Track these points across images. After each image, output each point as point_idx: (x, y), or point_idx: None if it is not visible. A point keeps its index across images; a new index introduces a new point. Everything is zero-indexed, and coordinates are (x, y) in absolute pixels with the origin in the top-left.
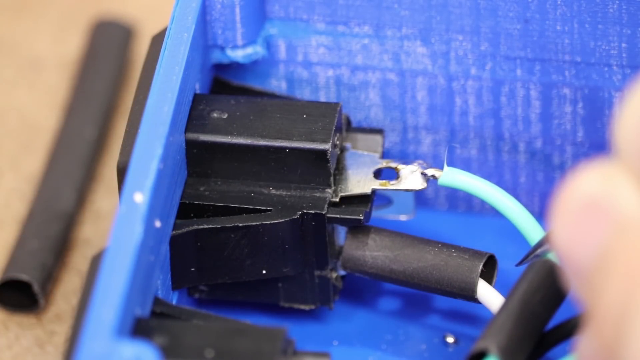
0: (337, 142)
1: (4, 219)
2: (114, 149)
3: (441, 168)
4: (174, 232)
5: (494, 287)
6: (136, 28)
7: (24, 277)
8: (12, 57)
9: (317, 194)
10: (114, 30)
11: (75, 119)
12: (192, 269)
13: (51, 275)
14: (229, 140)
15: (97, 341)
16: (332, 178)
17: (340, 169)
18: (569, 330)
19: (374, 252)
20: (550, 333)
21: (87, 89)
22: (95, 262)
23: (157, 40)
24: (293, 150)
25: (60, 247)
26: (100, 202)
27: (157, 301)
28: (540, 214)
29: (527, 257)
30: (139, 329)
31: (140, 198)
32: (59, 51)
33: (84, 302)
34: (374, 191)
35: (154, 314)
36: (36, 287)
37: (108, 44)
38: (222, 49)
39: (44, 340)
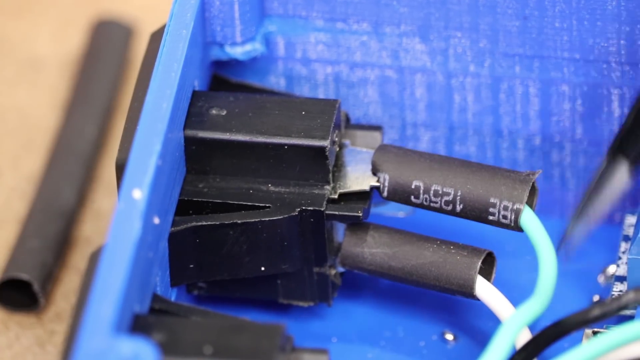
0: (336, 139)
1: (4, 218)
2: (114, 148)
3: None
4: (172, 228)
5: (493, 284)
6: (136, 27)
7: (24, 276)
8: (12, 57)
9: (316, 191)
10: (114, 30)
11: (75, 119)
12: (191, 266)
13: (51, 274)
14: (228, 137)
15: (95, 337)
16: (330, 175)
17: (339, 166)
18: (565, 328)
19: (372, 249)
20: (547, 331)
21: (87, 89)
22: (94, 259)
23: (156, 37)
24: (292, 147)
25: (61, 246)
26: (100, 201)
27: (155, 298)
28: (539, 212)
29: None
30: (138, 326)
31: (138, 194)
32: (59, 51)
33: (83, 299)
34: (372, 188)
35: (152, 310)
36: (36, 287)
37: (108, 43)
38: (221, 45)
39: (44, 339)
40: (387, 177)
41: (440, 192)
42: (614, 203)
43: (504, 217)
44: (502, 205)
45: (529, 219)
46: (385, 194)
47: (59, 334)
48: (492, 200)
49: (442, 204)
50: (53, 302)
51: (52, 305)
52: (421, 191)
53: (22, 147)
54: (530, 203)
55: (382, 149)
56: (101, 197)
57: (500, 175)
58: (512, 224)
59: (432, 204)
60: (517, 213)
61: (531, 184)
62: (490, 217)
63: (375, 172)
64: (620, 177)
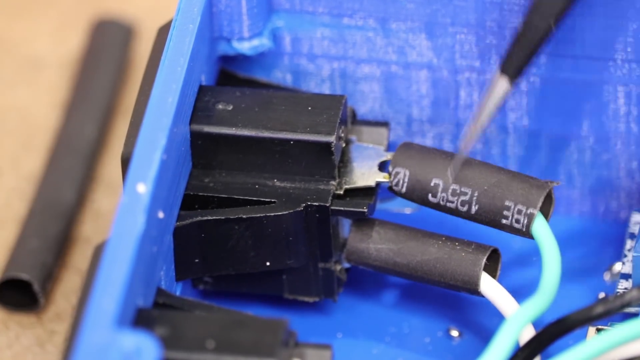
0: (342, 135)
1: (4, 218)
2: (114, 148)
3: None
4: (178, 223)
5: (498, 280)
6: (136, 27)
7: (24, 276)
8: (12, 57)
9: (322, 186)
10: (114, 30)
11: (75, 118)
12: (196, 260)
13: (51, 274)
14: (234, 132)
15: (97, 331)
16: (336, 170)
17: (345, 162)
18: (569, 325)
19: (378, 244)
20: (550, 328)
21: (87, 88)
22: (98, 253)
23: (163, 31)
24: (297, 142)
25: (61, 246)
26: (100, 201)
27: (159, 292)
28: None
29: None
30: (141, 320)
31: (142, 189)
32: (59, 50)
33: (86, 293)
34: (378, 184)
35: (156, 304)
36: (36, 286)
37: (108, 43)
38: (228, 40)
39: (44, 339)
40: (407, 173)
41: (458, 191)
42: (496, 111)
43: (517, 221)
44: (516, 209)
45: (540, 226)
46: (403, 190)
47: (59, 333)
48: (507, 203)
49: (459, 204)
50: (53, 302)
51: (52, 305)
52: (440, 189)
53: (22, 147)
54: (546, 212)
55: (404, 146)
56: (101, 197)
57: (519, 180)
58: (524, 229)
59: (448, 204)
60: (531, 218)
61: (547, 190)
62: (504, 221)
63: (394, 167)
64: (501, 89)
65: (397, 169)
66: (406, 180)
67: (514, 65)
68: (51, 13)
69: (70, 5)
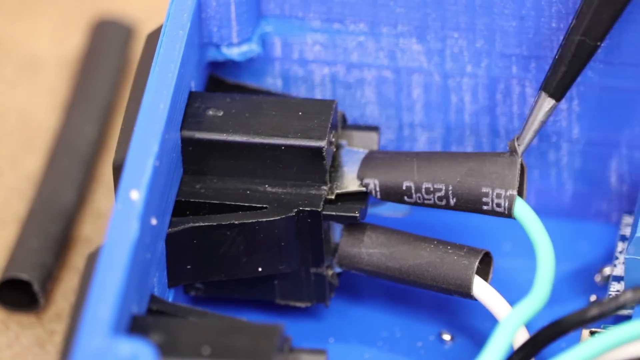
0: (333, 140)
1: (4, 218)
2: (114, 148)
3: None
4: (170, 229)
5: (490, 284)
6: (136, 28)
7: (24, 276)
8: (11, 57)
9: (313, 192)
10: (114, 30)
11: (75, 119)
12: (188, 267)
13: (51, 274)
14: (225, 137)
15: (93, 338)
16: (327, 175)
17: (336, 166)
18: (563, 327)
19: (369, 249)
20: (545, 330)
21: (87, 89)
22: (91, 260)
23: (152, 38)
24: (288, 147)
25: (60, 246)
26: (100, 201)
27: (153, 299)
28: (535, 211)
29: None
30: (136, 326)
31: (136, 195)
32: (59, 51)
33: (80, 300)
34: None
35: (150, 311)
36: (36, 286)
37: (108, 43)
38: (218, 46)
39: (44, 339)
40: (377, 182)
41: (431, 189)
42: (539, 129)
43: (498, 205)
44: (494, 194)
45: (522, 209)
46: (379, 197)
47: (59, 334)
48: (484, 190)
49: (436, 199)
50: (53, 302)
51: (52, 305)
52: (413, 191)
53: (22, 147)
54: (521, 182)
55: (367, 157)
56: (101, 197)
57: (489, 162)
58: (506, 212)
59: (425, 202)
60: (511, 199)
61: (519, 165)
62: (485, 207)
63: (362, 180)
64: (544, 109)
65: (366, 181)
66: (378, 189)
67: (558, 85)
68: (51, 13)
69: (70, 5)
